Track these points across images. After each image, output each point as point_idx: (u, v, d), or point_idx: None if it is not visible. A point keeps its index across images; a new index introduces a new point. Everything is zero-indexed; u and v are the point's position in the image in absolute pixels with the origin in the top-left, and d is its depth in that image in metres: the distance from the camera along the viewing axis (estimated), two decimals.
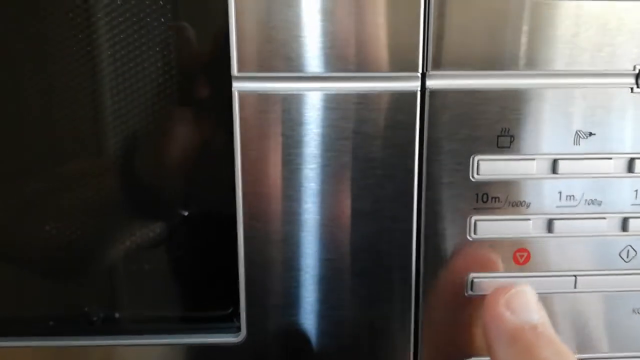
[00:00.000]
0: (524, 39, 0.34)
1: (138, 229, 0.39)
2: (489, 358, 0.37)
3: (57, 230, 0.39)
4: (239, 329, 0.38)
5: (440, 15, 0.34)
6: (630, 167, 0.36)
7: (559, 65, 0.35)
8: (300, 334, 0.38)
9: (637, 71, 0.35)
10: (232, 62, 0.34)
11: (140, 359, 0.40)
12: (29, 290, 0.41)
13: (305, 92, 0.35)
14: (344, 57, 0.34)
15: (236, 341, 0.38)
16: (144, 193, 0.39)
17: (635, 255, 0.37)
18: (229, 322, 0.39)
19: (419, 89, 0.35)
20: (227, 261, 0.38)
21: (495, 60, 0.34)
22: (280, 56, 0.34)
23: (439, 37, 0.34)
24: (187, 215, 0.39)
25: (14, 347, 0.39)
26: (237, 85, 0.34)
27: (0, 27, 0.36)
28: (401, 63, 0.34)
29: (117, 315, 0.40)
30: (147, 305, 0.41)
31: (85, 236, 0.39)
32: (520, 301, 0.34)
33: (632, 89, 0.35)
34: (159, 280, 0.40)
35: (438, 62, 0.34)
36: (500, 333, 0.33)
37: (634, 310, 0.38)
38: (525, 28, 0.34)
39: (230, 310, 0.39)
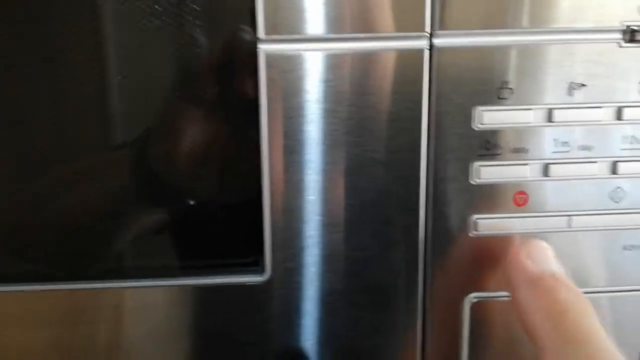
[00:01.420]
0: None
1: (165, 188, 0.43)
2: (490, 293, 0.41)
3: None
4: (263, 270, 0.42)
5: None
6: (618, 114, 0.39)
7: (555, 23, 0.38)
8: (321, 274, 0.42)
9: (623, 27, 0.38)
10: (258, 26, 0.38)
11: (165, 299, 0.43)
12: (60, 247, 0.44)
13: (323, 53, 0.38)
14: (361, 19, 0.38)
15: (261, 280, 0.42)
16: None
17: (624, 195, 0.41)
18: (252, 267, 0.43)
19: (427, 47, 0.38)
20: (250, 209, 0.42)
21: (495, 19, 0.38)
22: (301, 19, 0.38)
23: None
24: (212, 169, 0.43)
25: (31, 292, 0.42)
26: (262, 47, 0.38)
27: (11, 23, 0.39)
28: (410, 24, 0.38)
29: (140, 263, 0.44)
30: (170, 255, 0.44)
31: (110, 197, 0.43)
32: (540, 253, 0.39)
33: (619, 44, 0.39)
34: (182, 230, 0.44)
35: (444, 22, 0.38)
36: (523, 279, 0.38)
37: (624, 247, 0.42)
38: None
39: (252, 258, 0.43)
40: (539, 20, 0.38)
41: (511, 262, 0.39)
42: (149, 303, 0.43)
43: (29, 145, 0.41)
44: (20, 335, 0.43)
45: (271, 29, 0.38)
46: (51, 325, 0.43)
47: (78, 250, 0.43)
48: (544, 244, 0.39)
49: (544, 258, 0.39)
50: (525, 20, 0.38)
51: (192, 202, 0.43)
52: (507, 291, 0.40)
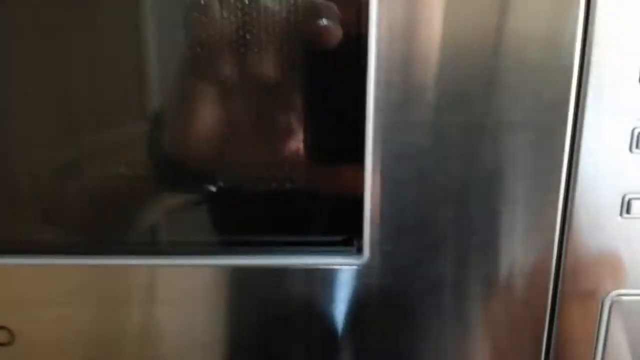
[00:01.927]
0: None
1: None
2: (634, 291, 0.33)
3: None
4: (360, 252, 0.35)
5: None
6: None
7: None
8: (427, 261, 0.35)
9: None
10: None
11: (258, 279, 0.36)
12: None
13: None
14: None
15: (358, 263, 0.35)
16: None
17: None
18: (348, 246, 0.36)
19: None
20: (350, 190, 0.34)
21: None
22: None
23: None
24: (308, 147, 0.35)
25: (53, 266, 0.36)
26: None
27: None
28: None
29: (239, 238, 0.37)
30: (263, 230, 0.37)
31: None
32: None
33: None
34: (279, 205, 0.37)
35: None
36: None
37: None
38: None
39: (348, 236, 0.36)
40: None
41: None
42: (211, 283, 0.37)
43: (66, 111, 0.35)
44: (53, 314, 0.37)
45: None
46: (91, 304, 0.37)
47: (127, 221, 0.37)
48: None
49: None
50: None
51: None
52: None
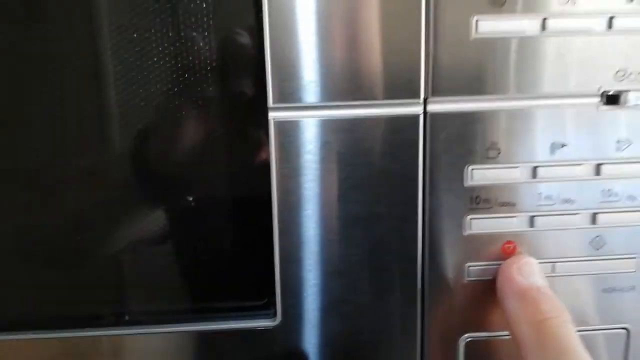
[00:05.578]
0: (509, 69, 0.41)
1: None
2: (483, 333, 0.44)
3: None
4: (274, 315, 0.45)
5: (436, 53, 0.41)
6: (597, 171, 0.43)
7: (539, 88, 0.42)
8: (327, 319, 0.45)
9: (600, 92, 0.42)
10: (268, 95, 0.41)
11: (179, 345, 0.46)
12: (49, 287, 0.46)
13: (327, 119, 0.42)
14: (365, 87, 0.41)
15: (273, 325, 0.45)
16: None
17: (604, 244, 0.44)
18: (264, 310, 0.46)
19: (422, 112, 0.42)
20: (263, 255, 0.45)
21: (484, 86, 0.42)
22: (306, 89, 0.41)
23: (437, 69, 0.41)
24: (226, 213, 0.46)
25: (26, 340, 0.45)
26: (272, 115, 0.42)
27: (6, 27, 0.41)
28: (406, 92, 0.42)
29: (158, 307, 0.47)
30: (181, 298, 0.47)
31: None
32: (528, 268, 0.43)
33: (597, 107, 0.42)
34: (196, 271, 0.47)
35: (437, 89, 0.42)
36: (512, 291, 0.42)
37: (603, 290, 0.46)
38: (510, 60, 0.41)
39: (265, 301, 0.46)
40: (525, 88, 0.42)
41: (502, 275, 0.43)
42: (152, 349, 0.46)
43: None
44: None
45: (278, 98, 0.41)
46: None
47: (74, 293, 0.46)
48: (532, 259, 0.43)
49: (532, 273, 0.43)
50: (511, 87, 0.42)
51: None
52: (500, 329, 0.44)
